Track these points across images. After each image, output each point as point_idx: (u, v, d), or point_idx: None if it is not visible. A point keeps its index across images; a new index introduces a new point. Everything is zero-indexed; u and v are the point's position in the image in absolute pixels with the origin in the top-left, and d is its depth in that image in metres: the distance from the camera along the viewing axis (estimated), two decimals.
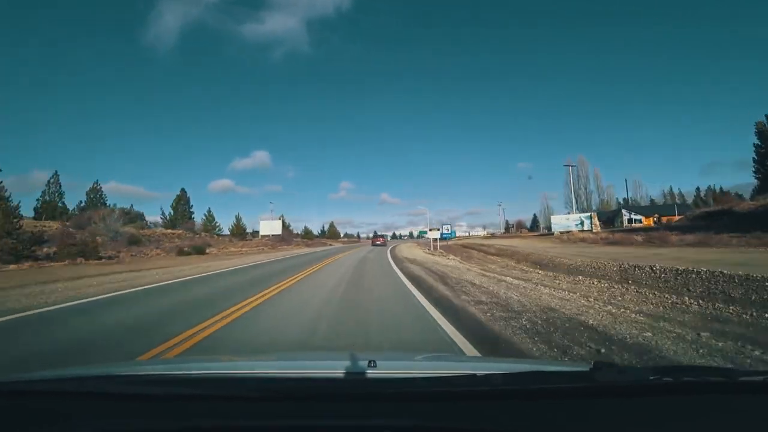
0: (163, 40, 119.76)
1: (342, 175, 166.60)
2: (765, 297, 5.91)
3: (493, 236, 66.77)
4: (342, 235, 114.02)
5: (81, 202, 49.45)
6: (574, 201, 41.69)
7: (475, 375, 1.12)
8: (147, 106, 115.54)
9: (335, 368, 1.40)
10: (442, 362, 2.01)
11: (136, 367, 1.89)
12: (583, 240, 29.73)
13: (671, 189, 77.60)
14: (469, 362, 2.42)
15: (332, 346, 3.91)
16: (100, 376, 1.28)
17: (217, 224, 57.81)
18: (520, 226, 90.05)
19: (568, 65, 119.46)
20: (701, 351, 3.43)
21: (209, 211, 57.79)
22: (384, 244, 45.81)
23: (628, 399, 1.01)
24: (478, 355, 3.52)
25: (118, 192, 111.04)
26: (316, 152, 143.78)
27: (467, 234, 77.04)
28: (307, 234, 73.83)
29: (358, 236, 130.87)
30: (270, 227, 63.95)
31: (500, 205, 72.59)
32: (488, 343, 3.86)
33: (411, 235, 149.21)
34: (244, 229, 58.29)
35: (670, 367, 1.12)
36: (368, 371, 1.26)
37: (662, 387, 1.01)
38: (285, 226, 67.25)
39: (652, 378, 1.00)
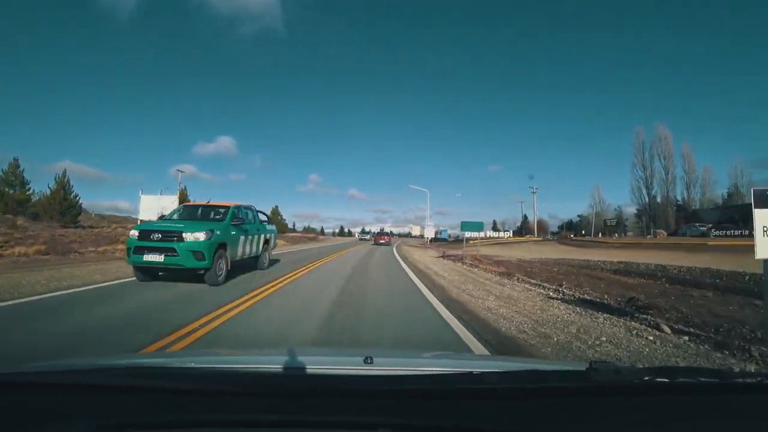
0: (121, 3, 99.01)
1: (311, 167, 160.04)
2: None
3: (555, 242, 41.11)
4: (301, 229, 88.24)
5: None
6: None
7: (471, 373, 1.14)
8: (101, 79, 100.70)
9: (330, 364, 1.51)
10: (439, 360, 2.00)
11: (134, 360, 1.88)
12: None
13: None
14: (467, 360, 2.37)
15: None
16: (100, 369, 1.25)
17: (30, 190, 28.81)
18: (540, 227, 66.40)
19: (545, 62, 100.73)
20: None
21: (15, 160, 28.62)
22: (389, 244, 34.50)
23: (624, 399, 1.02)
24: (477, 353, 3.53)
25: (72, 172, 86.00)
26: (285, 141, 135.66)
27: (482, 236, 52.03)
28: None
29: (322, 231, 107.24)
30: (157, 207, 35.75)
31: (534, 191, 47.65)
32: None
33: (381, 232, 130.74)
34: (75, 206, 29.40)
35: (665, 368, 1.14)
36: (364, 368, 1.28)
37: (658, 387, 1.01)
38: None
39: (647, 378, 1.01)
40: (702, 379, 1.02)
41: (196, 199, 43.77)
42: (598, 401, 1.01)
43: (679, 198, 46.03)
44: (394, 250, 25.02)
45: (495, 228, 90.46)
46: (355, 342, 4.03)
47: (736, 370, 1.47)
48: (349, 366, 1.38)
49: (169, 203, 37.32)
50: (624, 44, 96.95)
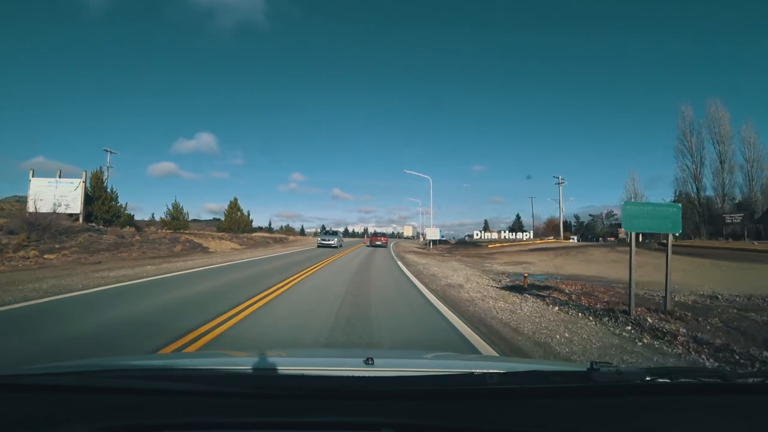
0: None
1: (294, 165, 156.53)
2: None
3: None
4: (277, 228, 77.30)
5: None
6: None
7: (472, 374, 1.13)
8: (75, 74, 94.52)
9: (332, 365, 1.52)
10: (440, 360, 1.96)
11: (132, 362, 1.80)
12: None
13: None
14: (467, 361, 2.31)
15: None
16: (100, 371, 1.23)
17: None
18: (550, 227, 57.07)
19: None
20: None
21: None
22: (385, 245, 29.65)
23: (625, 399, 1.01)
24: (478, 354, 3.45)
25: (47, 169, 70.70)
26: (267, 139, 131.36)
27: (493, 236, 42.48)
28: (174, 219, 34.99)
29: (302, 231, 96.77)
30: (54, 194, 24.91)
31: (560, 183, 37.28)
32: None
33: (366, 233, 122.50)
34: None
35: (666, 368, 1.11)
36: (366, 368, 1.28)
37: (659, 388, 1.01)
38: (103, 199, 28.11)
39: (648, 379, 1.01)
40: (703, 380, 1.02)
41: (121, 191, 32.78)
42: (599, 401, 1.01)
43: (737, 192, 37.42)
44: (403, 266, 14.42)
45: (486, 228, 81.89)
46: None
47: (737, 370, 1.23)
48: (350, 367, 1.38)
49: (69, 190, 26.59)
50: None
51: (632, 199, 39.35)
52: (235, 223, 38.58)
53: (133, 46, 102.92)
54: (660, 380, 0.99)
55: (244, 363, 1.56)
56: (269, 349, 3.02)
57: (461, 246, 37.77)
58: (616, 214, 55.21)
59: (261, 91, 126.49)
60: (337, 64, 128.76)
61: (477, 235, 42.73)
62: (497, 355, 3.40)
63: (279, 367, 1.35)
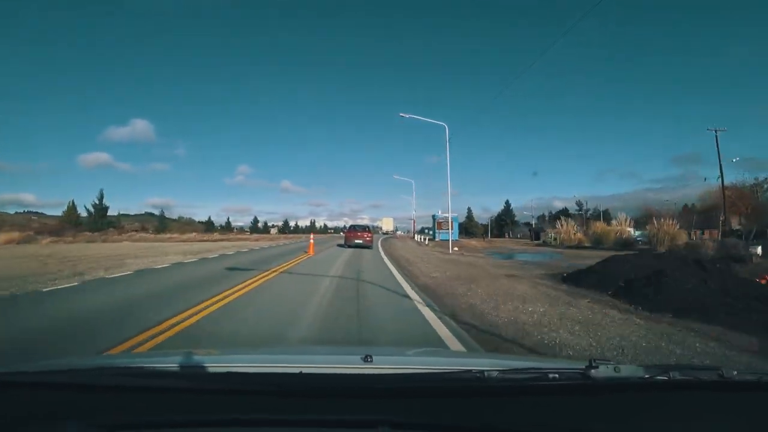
0: None
1: (240, 157, 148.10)
2: None
3: None
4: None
5: None
6: None
7: (470, 371, 1.13)
8: None
9: (329, 362, 1.48)
10: (437, 358, 1.98)
11: (128, 359, 1.85)
12: None
13: None
14: (465, 358, 2.36)
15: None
16: (92, 369, 1.22)
17: None
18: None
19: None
20: None
21: None
22: (369, 246, 20.58)
23: (626, 396, 1.02)
24: (476, 351, 3.51)
25: None
26: (211, 127, 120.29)
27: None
28: None
29: (228, 226, 78.75)
30: None
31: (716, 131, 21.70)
32: None
33: (313, 226, 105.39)
34: None
35: (664, 366, 1.12)
36: (364, 366, 1.26)
37: (657, 384, 1.02)
38: None
39: (646, 376, 1.02)
40: (701, 377, 1.03)
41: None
42: (600, 399, 1.02)
43: None
44: None
45: (470, 217, 69.15)
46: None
47: (735, 368, 1.25)
48: (348, 365, 1.37)
49: None
50: None
51: None
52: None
53: (55, 21, 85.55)
54: (658, 378, 1.01)
55: (243, 360, 1.56)
56: (270, 346, 3.33)
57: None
58: None
59: (201, 74, 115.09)
60: (286, 46, 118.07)
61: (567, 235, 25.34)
62: (487, 351, 3.52)
63: (275, 364, 1.37)
